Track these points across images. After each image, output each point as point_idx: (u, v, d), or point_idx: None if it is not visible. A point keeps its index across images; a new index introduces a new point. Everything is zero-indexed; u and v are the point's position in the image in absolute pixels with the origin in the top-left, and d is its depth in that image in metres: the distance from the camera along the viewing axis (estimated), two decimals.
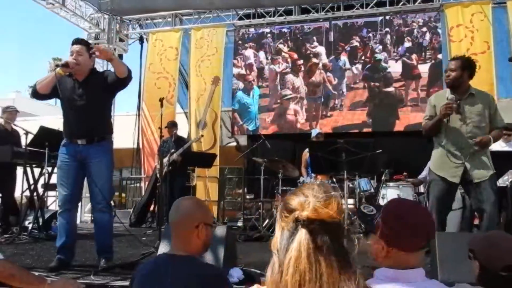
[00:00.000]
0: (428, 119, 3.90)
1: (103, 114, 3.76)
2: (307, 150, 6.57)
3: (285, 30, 9.35)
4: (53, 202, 7.90)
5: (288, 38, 9.28)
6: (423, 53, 8.46)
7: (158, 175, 6.71)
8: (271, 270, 1.18)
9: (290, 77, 9.10)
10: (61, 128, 3.87)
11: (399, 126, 8.35)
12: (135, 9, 9.85)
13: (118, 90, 3.83)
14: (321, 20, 9.08)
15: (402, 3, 8.64)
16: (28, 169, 5.74)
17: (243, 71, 9.43)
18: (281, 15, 9.34)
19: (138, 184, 10.65)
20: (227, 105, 9.68)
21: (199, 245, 1.90)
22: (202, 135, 8.26)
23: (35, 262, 3.80)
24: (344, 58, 8.85)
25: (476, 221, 4.78)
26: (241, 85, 9.40)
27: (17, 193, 6.38)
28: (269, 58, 9.30)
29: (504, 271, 1.76)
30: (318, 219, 1.13)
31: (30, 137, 5.57)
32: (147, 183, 8.70)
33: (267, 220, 6.59)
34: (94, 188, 3.62)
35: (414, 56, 8.46)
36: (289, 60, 9.17)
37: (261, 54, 9.39)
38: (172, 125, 7.53)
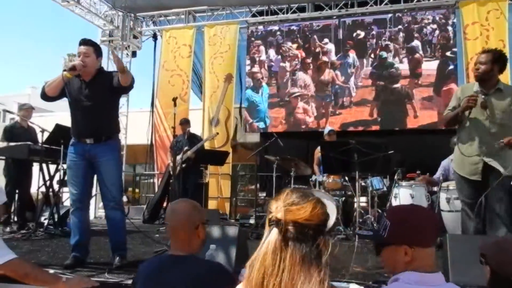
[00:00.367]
0: (450, 110, 3.83)
1: (110, 113, 3.81)
2: (319, 148, 6.56)
3: (294, 27, 9.34)
4: (67, 198, 8.00)
5: (298, 35, 9.27)
6: (432, 51, 8.40)
7: (171, 172, 6.77)
8: (248, 266, 1.30)
9: (301, 74, 9.09)
10: None
11: (410, 124, 8.32)
12: (149, 6, 9.93)
13: (121, 93, 3.88)
14: (334, 17, 9.05)
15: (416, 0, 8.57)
16: (44, 166, 5.83)
17: (253, 69, 9.43)
18: (294, 12, 9.32)
19: (151, 180, 10.75)
20: (238, 102, 9.73)
21: (199, 244, 2.02)
22: (217, 133, 8.28)
23: (51, 259, 3.86)
24: (352, 55, 8.83)
25: None
26: (250, 82, 9.41)
27: (33, 189, 6.51)
28: (279, 55, 9.29)
29: None
30: (289, 220, 1.23)
31: (46, 134, 5.66)
32: (160, 179, 8.78)
33: None
34: (104, 186, 3.68)
35: (422, 54, 8.41)
36: (298, 57, 9.16)
37: (270, 51, 9.39)
38: (185, 122, 7.57)
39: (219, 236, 3.30)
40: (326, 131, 7.02)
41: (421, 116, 8.25)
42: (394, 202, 5.81)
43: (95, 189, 4.75)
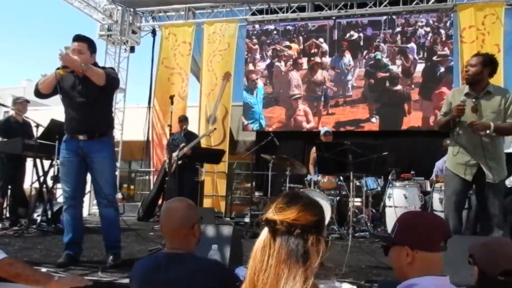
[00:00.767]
0: (442, 115, 3.87)
1: (103, 109, 3.79)
2: (315, 148, 6.58)
3: (289, 27, 9.34)
4: (61, 194, 7.98)
5: (294, 35, 9.27)
6: (425, 54, 8.44)
7: (167, 169, 6.76)
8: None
9: (294, 74, 9.10)
10: None
11: (403, 125, 8.39)
12: (149, 1, 9.89)
13: (111, 91, 3.85)
14: (334, 17, 9.04)
15: (415, 2, 8.58)
16: (38, 162, 5.79)
17: (248, 68, 9.45)
18: (294, 11, 9.31)
19: (147, 177, 10.74)
20: (239, 99, 9.71)
21: (195, 242, 2.03)
22: (215, 128, 8.24)
23: (43, 257, 3.84)
24: (348, 56, 8.85)
25: None
26: (245, 83, 9.42)
27: (26, 185, 6.48)
28: (274, 55, 9.29)
29: (503, 276, 1.82)
30: (278, 219, 1.31)
31: (41, 129, 5.63)
32: (155, 176, 8.77)
33: None
34: (98, 184, 3.67)
35: (416, 56, 8.46)
36: (293, 57, 9.17)
37: (266, 51, 9.40)
38: (184, 119, 7.55)
39: (214, 235, 3.30)
40: (322, 131, 7.03)
41: (412, 118, 8.31)
42: (388, 202, 5.87)
43: (88, 186, 4.74)
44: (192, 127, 8.04)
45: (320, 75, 8.93)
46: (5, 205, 6.21)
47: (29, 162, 6.09)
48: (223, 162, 8.22)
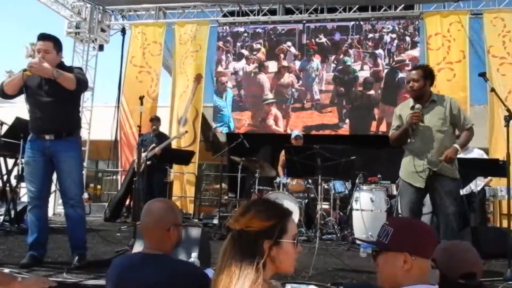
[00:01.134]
0: (395, 129, 3.94)
1: (70, 109, 3.74)
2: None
3: (259, 30, 9.39)
4: (25, 193, 7.79)
5: (263, 38, 9.33)
6: (390, 59, 8.66)
7: (135, 169, 6.68)
8: None
9: (263, 77, 9.16)
10: None
11: (372, 129, 8.56)
12: None
13: (79, 92, 3.81)
14: (304, 21, 9.15)
15: (383, 9, 8.79)
16: (2, 160, 5.66)
17: (218, 70, 9.46)
18: (265, 14, 9.37)
19: (114, 177, 10.58)
20: (209, 101, 9.70)
21: (171, 245, 2.01)
22: (186, 131, 8.21)
23: (6, 257, 3.75)
24: (316, 60, 8.98)
25: None
26: (215, 86, 9.43)
27: None
28: (243, 58, 9.33)
29: (463, 279, 1.89)
30: (235, 227, 1.45)
31: (5, 127, 5.49)
32: (123, 177, 8.65)
33: None
34: (64, 184, 3.63)
35: (383, 62, 8.66)
36: (262, 60, 9.24)
37: (235, 53, 9.43)
38: (156, 119, 7.49)
39: (182, 237, 3.29)
40: (293, 135, 7.09)
41: (379, 122, 8.52)
42: (355, 205, 5.96)
43: (53, 186, 4.64)
44: (164, 128, 7.99)
45: (287, 78, 9.02)
46: None
47: None
48: (193, 163, 8.20)
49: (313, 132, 8.71)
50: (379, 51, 8.71)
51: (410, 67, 8.21)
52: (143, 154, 6.60)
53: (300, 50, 9.08)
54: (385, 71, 8.63)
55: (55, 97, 3.53)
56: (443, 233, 3.63)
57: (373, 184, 6.33)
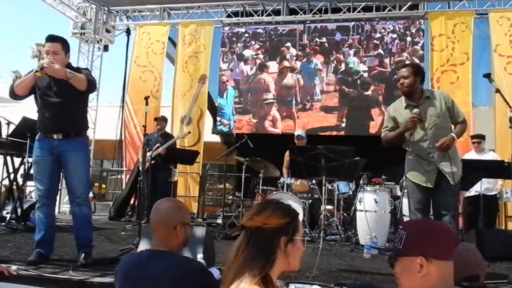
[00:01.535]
0: (389, 130, 3.91)
1: (79, 110, 3.80)
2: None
3: (260, 31, 9.41)
4: (30, 192, 7.85)
5: (264, 39, 9.35)
6: (391, 59, 8.67)
7: (140, 169, 6.72)
8: None
9: (264, 78, 9.17)
10: None
11: (372, 129, 8.56)
12: (124, 0, 9.80)
13: (88, 93, 3.87)
14: (308, 22, 9.17)
15: (388, 9, 8.79)
16: (9, 159, 5.71)
17: (221, 71, 9.49)
18: (269, 15, 9.39)
19: (119, 176, 10.63)
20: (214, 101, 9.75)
21: (178, 243, 2.05)
22: (189, 132, 8.25)
23: (13, 254, 3.80)
24: (316, 61, 9.00)
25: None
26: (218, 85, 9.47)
27: None
28: (244, 58, 9.36)
29: (466, 281, 1.89)
30: (250, 225, 1.49)
31: (12, 127, 5.55)
32: (128, 176, 8.70)
33: None
34: (71, 183, 3.67)
35: (383, 61, 8.68)
36: (262, 61, 9.26)
37: (236, 54, 9.45)
38: (163, 119, 7.54)
39: (190, 236, 3.32)
40: (295, 135, 7.11)
41: (378, 122, 8.50)
42: (359, 206, 5.96)
43: (60, 184, 4.69)
44: (166, 128, 8.01)
45: (291, 78, 9.03)
46: None
47: None
48: (197, 163, 8.23)
49: (315, 133, 8.69)
50: (380, 52, 8.71)
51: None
52: (148, 154, 6.64)
53: (301, 51, 9.10)
54: (387, 71, 8.63)
55: (64, 98, 3.58)
56: None
57: (377, 185, 6.34)
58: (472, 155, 6.56)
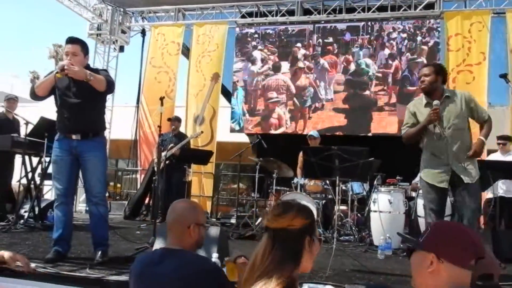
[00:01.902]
0: (409, 126, 3.89)
1: (97, 111, 3.88)
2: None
3: (270, 31, 9.40)
4: (48, 190, 7.97)
5: (274, 39, 9.34)
6: (401, 59, 8.60)
7: (155, 169, 6.79)
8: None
9: (274, 78, 9.17)
10: None
11: (376, 129, 8.53)
12: (139, 1, 9.91)
13: (106, 94, 3.93)
14: (323, 22, 9.14)
15: (403, 9, 8.73)
16: (26, 158, 5.80)
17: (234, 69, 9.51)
18: (283, 15, 9.39)
19: (134, 176, 10.73)
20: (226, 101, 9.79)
21: (192, 243, 2.07)
22: (202, 131, 8.30)
23: (32, 252, 3.86)
24: (326, 61, 8.95)
25: None
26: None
27: (13, 181, 6.47)
28: (254, 59, 9.37)
29: (480, 281, 1.89)
30: (274, 227, 1.52)
31: (30, 127, 5.65)
32: (143, 175, 8.78)
33: (260, 219, 6.66)
34: (89, 182, 3.74)
35: (393, 61, 8.61)
36: (274, 62, 9.25)
37: (246, 54, 9.46)
38: (177, 119, 7.60)
39: (204, 237, 3.35)
40: (308, 135, 7.11)
41: (389, 122, 8.47)
42: (373, 207, 5.94)
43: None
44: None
45: (304, 79, 9.01)
46: None
47: (17, 159, 6.09)
48: (210, 163, 8.27)
49: (328, 133, 8.67)
50: (389, 52, 8.65)
51: (420, 67, 8.18)
52: (163, 154, 6.70)
53: (311, 51, 9.08)
54: (397, 71, 8.57)
55: (83, 99, 3.65)
56: None
57: (392, 186, 6.31)
58: (497, 156, 6.48)
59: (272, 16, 9.46)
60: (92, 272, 3.15)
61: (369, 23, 8.85)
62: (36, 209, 5.74)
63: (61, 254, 3.59)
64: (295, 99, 9.02)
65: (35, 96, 3.67)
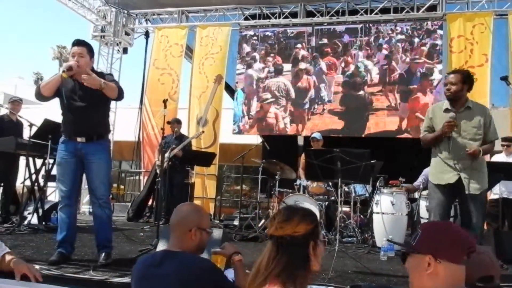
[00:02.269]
0: (426, 131, 3.94)
1: (102, 114, 3.89)
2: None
3: (269, 33, 9.42)
4: (52, 192, 7.99)
5: (273, 42, 9.36)
6: (398, 60, 8.61)
7: (157, 171, 6.81)
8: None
9: (274, 80, 9.18)
10: None
11: (373, 130, 8.54)
12: (143, 3, 9.98)
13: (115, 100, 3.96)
14: (325, 24, 9.15)
15: (405, 11, 8.73)
16: (30, 160, 5.83)
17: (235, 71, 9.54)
18: (286, 17, 9.41)
19: (137, 177, 10.76)
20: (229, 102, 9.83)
21: (193, 247, 2.08)
22: (203, 131, 8.31)
23: (35, 254, 3.88)
24: (324, 63, 8.96)
25: None
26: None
27: (17, 183, 6.50)
28: (253, 61, 9.39)
29: (480, 282, 1.89)
30: (279, 234, 1.53)
31: (34, 129, 5.67)
32: (146, 177, 8.81)
33: (263, 220, 6.69)
34: (94, 184, 3.76)
35: (391, 62, 8.62)
36: (272, 63, 9.26)
37: (244, 57, 9.48)
38: (176, 121, 7.62)
39: (206, 243, 3.36)
40: (311, 137, 7.12)
41: (388, 123, 8.46)
42: (376, 209, 5.94)
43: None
44: (182, 129, 8.09)
45: (305, 81, 9.02)
46: None
47: (21, 161, 6.12)
48: (213, 164, 8.29)
49: (329, 135, 8.67)
50: (387, 53, 8.66)
51: (421, 67, 8.18)
52: (165, 155, 6.72)
53: (310, 53, 9.09)
54: (394, 73, 8.57)
55: (88, 102, 3.66)
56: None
57: (394, 187, 6.31)
58: (501, 157, 6.50)
59: (275, 18, 9.47)
60: (96, 274, 3.17)
61: (367, 25, 8.86)
62: (40, 211, 5.76)
63: (65, 256, 3.60)
64: (294, 101, 9.02)
65: (41, 96, 3.66)
